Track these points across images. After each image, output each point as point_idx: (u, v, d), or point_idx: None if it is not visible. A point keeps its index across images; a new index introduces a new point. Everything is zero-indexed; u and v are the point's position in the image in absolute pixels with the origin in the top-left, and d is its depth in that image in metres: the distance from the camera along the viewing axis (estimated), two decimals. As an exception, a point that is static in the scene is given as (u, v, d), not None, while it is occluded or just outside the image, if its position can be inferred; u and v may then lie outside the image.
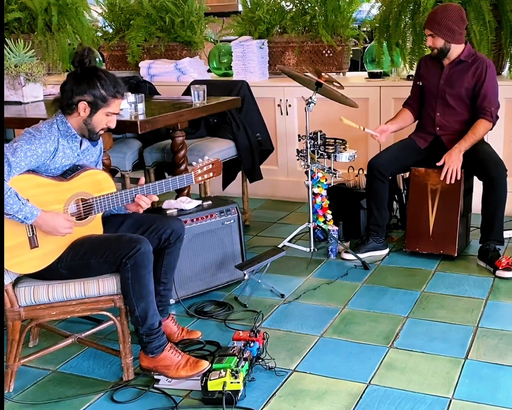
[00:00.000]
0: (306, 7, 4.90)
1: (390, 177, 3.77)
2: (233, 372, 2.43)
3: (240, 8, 5.87)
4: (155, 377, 2.62)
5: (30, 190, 2.45)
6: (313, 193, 3.84)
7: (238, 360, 2.51)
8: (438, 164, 3.58)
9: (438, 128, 3.71)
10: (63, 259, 2.54)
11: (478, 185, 3.73)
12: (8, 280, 2.50)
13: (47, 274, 2.54)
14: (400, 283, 3.44)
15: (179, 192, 3.57)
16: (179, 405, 2.46)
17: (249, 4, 5.10)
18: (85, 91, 2.49)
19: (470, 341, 2.82)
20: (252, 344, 2.63)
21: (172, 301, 3.24)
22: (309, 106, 3.67)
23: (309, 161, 3.73)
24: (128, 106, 3.54)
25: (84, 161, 2.65)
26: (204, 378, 2.46)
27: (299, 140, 3.81)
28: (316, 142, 3.72)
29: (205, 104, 3.81)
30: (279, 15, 5.04)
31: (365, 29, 5.14)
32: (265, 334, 2.76)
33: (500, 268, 3.44)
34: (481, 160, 3.56)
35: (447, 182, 3.55)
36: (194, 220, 3.29)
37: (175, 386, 2.57)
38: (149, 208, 2.76)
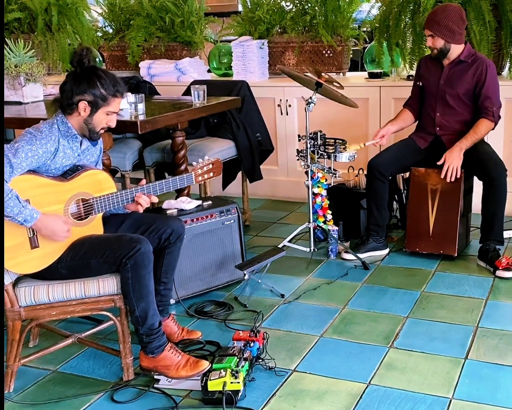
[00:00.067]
0: (306, 7, 4.90)
1: (390, 177, 3.77)
2: (233, 372, 2.43)
3: (240, 8, 5.87)
4: (155, 377, 2.62)
5: (30, 190, 2.45)
6: (313, 193, 3.85)
7: (238, 360, 2.51)
8: (438, 163, 3.58)
9: (438, 129, 3.71)
10: (63, 259, 2.54)
11: (478, 185, 3.73)
12: (8, 280, 2.51)
13: (47, 274, 2.54)
14: (400, 283, 3.44)
15: (179, 193, 3.57)
16: (179, 405, 2.46)
17: (249, 4, 5.10)
18: (85, 90, 2.49)
19: (470, 341, 2.83)
20: (252, 344, 2.63)
21: (172, 301, 3.24)
22: (309, 106, 3.68)
23: (309, 161, 3.74)
24: (128, 106, 3.54)
25: (84, 162, 2.65)
26: (204, 378, 2.46)
27: (299, 140, 3.81)
28: (316, 142, 3.73)
29: (205, 104, 3.81)
30: (279, 15, 5.04)
31: (365, 29, 5.14)
32: (265, 334, 2.76)
33: (500, 268, 3.44)
34: (481, 160, 3.57)
35: (448, 180, 3.55)
36: (194, 220, 3.29)
37: (175, 386, 2.57)
38: (148, 207, 2.77)
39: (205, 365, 2.58)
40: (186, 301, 3.29)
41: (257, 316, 3.09)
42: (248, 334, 2.69)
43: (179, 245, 2.81)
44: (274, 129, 4.88)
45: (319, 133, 3.73)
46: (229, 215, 3.41)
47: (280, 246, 3.82)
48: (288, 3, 5.02)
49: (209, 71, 5.47)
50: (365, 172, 3.84)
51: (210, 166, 2.78)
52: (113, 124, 2.60)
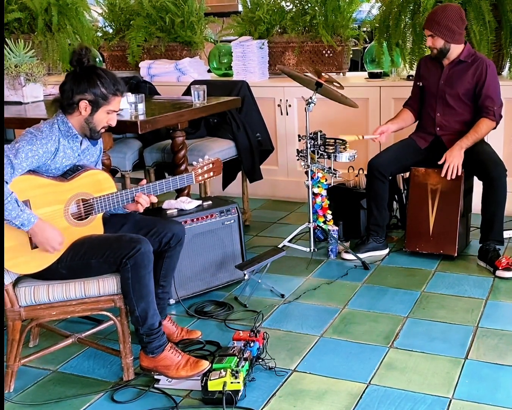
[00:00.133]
0: (306, 7, 4.91)
1: (390, 177, 3.77)
2: (233, 372, 2.43)
3: (240, 8, 5.87)
4: (155, 377, 2.62)
5: (31, 191, 2.45)
6: (313, 193, 3.85)
7: (238, 360, 2.51)
8: (439, 162, 3.58)
9: (438, 129, 3.71)
10: (63, 259, 2.54)
11: (478, 185, 3.73)
12: (8, 280, 2.51)
13: (47, 274, 2.54)
14: (400, 283, 3.44)
15: (179, 192, 3.57)
16: (179, 405, 2.46)
17: (249, 4, 5.10)
18: (86, 90, 2.49)
19: (470, 341, 2.83)
20: (252, 344, 2.63)
21: (172, 301, 3.25)
22: (309, 106, 3.68)
23: (309, 161, 3.74)
24: (128, 106, 3.54)
25: (84, 161, 2.65)
26: (204, 378, 2.46)
27: (299, 140, 3.81)
28: (316, 143, 3.73)
29: (205, 104, 3.81)
30: (279, 15, 5.04)
31: (365, 29, 5.14)
32: (265, 334, 2.76)
33: (500, 268, 3.44)
34: (481, 160, 3.57)
35: (448, 178, 3.55)
36: (194, 220, 3.29)
37: (175, 386, 2.57)
38: (148, 207, 2.76)
39: (205, 365, 2.58)
40: (186, 301, 3.29)
41: (257, 316, 3.09)
42: (248, 334, 2.69)
43: (179, 249, 2.81)
44: (274, 129, 4.88)
45: (319, 133, 3.73)
46: (229, 215, 3.42)
47: (280, 246, 3.82)
48: (288, 3, 5.03)
49: (209, 71, 5.47)
50: (365, 172, 3.84)
51: (210, 166, 2.78)
52: (113, 123, 2.60)
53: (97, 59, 5.75)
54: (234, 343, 2.68)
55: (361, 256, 3.72)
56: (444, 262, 3.67)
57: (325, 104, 4.17)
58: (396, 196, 4.15)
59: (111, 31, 5.71)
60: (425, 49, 4.27)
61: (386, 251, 3.84)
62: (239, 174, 4.46)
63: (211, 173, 2.79)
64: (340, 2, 4.78)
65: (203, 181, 2.86)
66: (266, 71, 5.10)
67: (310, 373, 2.64)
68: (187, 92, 4.41)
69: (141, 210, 2.70)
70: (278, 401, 2.46)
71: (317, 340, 2.90)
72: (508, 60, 4.31)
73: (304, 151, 3.76)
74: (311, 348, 2.83)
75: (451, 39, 3.53)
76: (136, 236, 2.58)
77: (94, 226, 2.61)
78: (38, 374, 2.73)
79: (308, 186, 3.80)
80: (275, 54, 5.13)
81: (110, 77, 2.54)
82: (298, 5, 4.95)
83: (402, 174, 4.03)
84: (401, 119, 3.85)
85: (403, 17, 4.40)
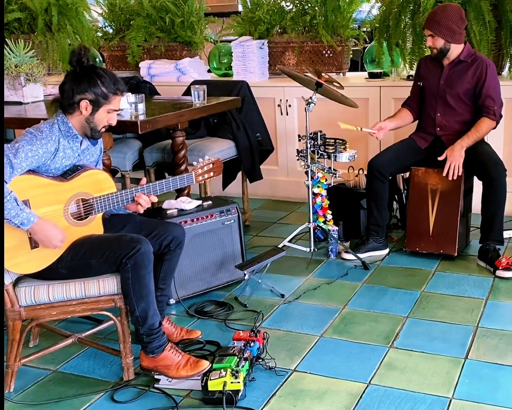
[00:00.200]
0: (306, 7, 4.91)
1: (390, 177, 3.77)
2: (233, 372, 2.43)
3: (240, 8, 5.87)
4: (156, 377, 2.62)
5: (30, 190, 2.45)
6: (313, 193, 3.85)
7: (238, 360, 2.51)
8: (440, 158, 3.57)
9: (438, 129, 3.72)
10: (63, 259, 2.54)
11: (478, 185, 3.73)
12: (8, 280, 2.51)
13: (48, 274, 2.54)
14: (400, 283, 3.44)
15: (179, 192, 3.57)
16: (179, 405, 2.46)
17: (249, 4, 5.10)
18: (86, 89, 2.49)
19: (470, 341, 2.83)
20: (252, 344, 2.63)
21: (172, 301, 3.25)
22: (309, 106, 3.68)
23: (309, 161, 3.74)
24: (129, 106, 3.54)
25: (84, 161, 2.65)
26: (205, 378, 2.47)
27: (299, 140, 3.81)
28: (316, 143, 3.73)
29: (205, 105, 3.81)
30: (279, 16, 5.04)
31: (365, 29, 5.14)
32: (265, 334, 2.76)
33: (500, 268, 3.44)
34: (480, 161, 3.57)
35: (450, 178, 3.55)
36: (194, 220, 3.29)
37: (176, 386, 2.57)
38: (149, 207, 2.76)
39: (205, 365, 2.58)
40: (186, 301, 3.29)
41: (257, 316, 3.09)
42: (248, 334, 2.69)
43: (179, 252, 2.81)
44: (274, 129, 4.88)
45: (319, 133, 3.73)
46: (229, 215, 3.42)
47: (280, 246, 3.82)
48: (288, 3, 5.03)
49: (209, 71, 5.47)
50: (365, 172, 3.84)
51: (211, 166, 2.78)
52: (114, 122, 2.60)
53: (97, 59, 5.75)
54: (234, 343, 2.68)
55: (361, 256, 3.72)
56: (444, 262, 3.67)
57: (325, 104, 4.17)
58: (396, 196, 4.15)
59: (111, 31, 5.71)
60: (425, 49, 4.27)
61: (386, 251, 3.84)
62: (239, 174, 4.46)
63: (211, 174, 2.79)
64: (340, 2, 4.78)
65: (203, 182, 2.85)
66: (266, 71, 5.10)
67: (310, 373, 2.64)
68: (187, 92, 4.41)
69: (142, 211, 2.70)
70: (278, 401, 2.46)
71: (317, 340, 2.90)
72: (508, 60, 4.31)
73: (304, 151, 3.76)
74: (311, 348, 2.83)
75: (451, 39, 3.53)
76: (136, 236, 2.58)
77: (94, 226, 2.62)
78: (38, 374, 2.73)
79: (308, 186, 3.80)
80: (275, 54, 5.13)
81: (110, 76, 2.54)
82: (298, 5, 4.96)
83: (402, 174, 4.03)
84: (399, 118, 3.85)
85: (403, 17, 4.40)
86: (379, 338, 2.89)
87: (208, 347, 2.85)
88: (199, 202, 3.40)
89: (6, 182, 2.35)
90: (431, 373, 2.59)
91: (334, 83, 3.74)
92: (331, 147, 3.70)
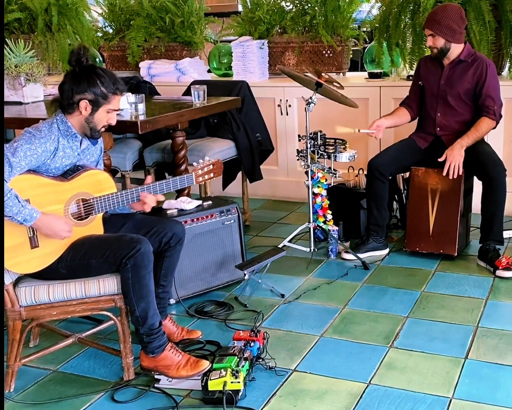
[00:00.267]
0: (306, 7, 4.91)
1: (390, 177, 3.77)
2: (233, 371, 2.43)
3: (240, 8, 5.87)
4: (156, 376, 2.62)
5: (31, 190, 2.45)
6: (313, 193, 3.85)
7: (238, 359, 2.52)
8: (439, 160, 3.57)
9: (438, 129, 3.72)
10: (64, 259, 2.54)
11: (478, 185, 3.74)
12: (8, 280, 2.51)
13: (48, 274, 2.54)
14: (400, 283, 3.44)
15: (179, 193, 3.58)
16: (179, 404, 2.46)
17: (249, 4, 5.10)
18: (86, 89, 2.49)
19: (470, 341, 2.83)
20: (252, 344, 2.64)
21: (172, 301, 3.25)
22: (309, 106, 3.68)
23: (309, 161, 3.74)
24: (129, 106, 3.54)
25: (84, 161, 2.65)
26: (205, 377, 2.47)
27: (299, 140, 3.81)
28: (316, 142, 3.73)
29: (205, 105, 3.81)
30: (279, 16, 5.04)
31: (365, 29, 5.14)
32: (265, 333, 2.76)
33: (500, 268, 3.44)
34: (480, 161, 3.57)
35: (450, 177, 3.55)
36: (195, 220, 3.29)
37: (176, 386, 2.57)
38: (153, 206, 2.77)
39: (205, 364, 2.58)
40: (187, 301, 3.29)
41: (257, 316, 3.09)
42: (249, 334, 2.69)
43: (179, 248, 2.81)
44: (274, 129, 4.89)
45: (319, 133, 3.73)
46: (229, 215, 3.42)
47: (280, 246, 3.82)
48: (288, 3, 5.03)
49: (209, 71, 5.47)
50: (365, 172, 3.84)
51: (211, 167, 2.78)
52: (113, 122, 2.61)
53: (97, 59, 5.75)
54: (234, 342, 2.68)
55: (361, 256, 3.72)
56: (444, 262, 3.67)
57: (325, 104, 4.17)
58: (396, 196, 4.15)
59: (111, 31, 5.71)
60: (425, 49, 4.27)
61: (386, 251, 3.84)
62: (239, 174, 4.46)
63: (212, 175, 2.79)
64: (340, 2, 4.78)
65: (203, 183, 2.86)
66: (266, 71, 5.10)
67: (310, 373, 2.64)
68: (187, 92, 4.41)
69: (148, 209, 2.70)
70: (278, 401, 2.46)
71: (317, 340, 2.90)
72: (508, 60, 4.31)
73: (304, 151, 3.76)
74: (311, 348, 2.83)
75: (451, 38, 3.53)
76: (136, 236, 2.58)
77: (94, 226, 2.62)
78: (39, 374, 2.73)
79: (308, 186, 3.80)
80: (275, 54, 5.13)
81: (110, 76, 2.54)
82: (298, 5, 4.96)
83: (402, 174, 4.03)
84: (396, 116, 3.84)
85: (403, 17, 4.40)
86: (379, 338, 2.89)
87: (208, 347, 2.85)
88: (199, 202, 3.41)
89: (6, 181, 2.35)
90: (431, 373, 2.59)
91: (334, 83, 3.74)
92: (331, 147, 3.70)
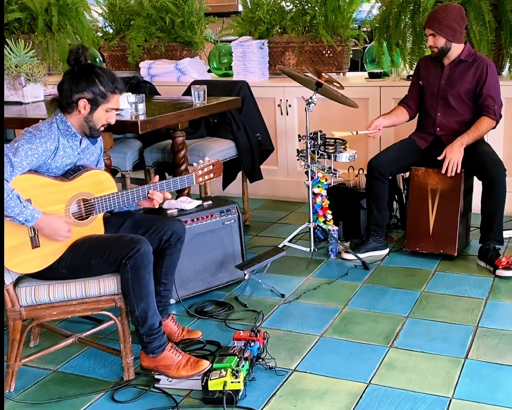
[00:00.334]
0: (306, 7, 4.91)
1: (390, 177, 3.77)
2: (233, 371, 2.43)
3: (240, 8, 5.87)
4: (156, 376, 2.63)
5: (32, 190, 2.45)
6: (313, 193, 3.85)
7: (238, 359, 2.52)
8: (439, 158, 3.57)
9: (438, 129, 3.72)
10: (64, 259, 2.54)
11: (478, 185, 3.74)
12: (9, 280, 2.51)
13: (48, 274, 2.54)
14: (400, 283, 3.44)
15: (179, 193, 3.58)
16: (179, 404, 2.47)
17: (249, 4, 5.10)
18: (84, 88, 2.49)
19: (470, 341, 2.83)
20: (252, 344, 2.64)
21: (172, 301, 3.25)
22: (309, 106, 3.68)
23: (309, 161, 3.74)
24: (129, 106, 3.55)
25: (84, 161, 2.65)
26: (205, 377, 2.47)
27: (299, 140, 3.81)
28: (316, 142, 3.73)
29: (205, 105, 3.81)
30: (279, 16, 5.04)
31: (365, 29, 5.14)
32: (265, 333, 2.76)
33: (500, 267, 3.44)
34: (480, 161, 3.57)
35: (448, 174, 3.55)
36: (195, 219, 3.30)
37: (176, 386, 2.57)
38: (150, 207, 2.77)
39: (205, 364, 2.58)
40: (187, 301, 3.30)
41: (258, 316, 3.09)
42: (249, 334, 2.69)
43: (180, 246, 2.81)
44: (274, 129, 4.89)
45: (319, 133, 3.73)
46: (229, 215, 3.42)
47: (280, 246, 3.82)
48: (288, 3, 5.03)
49: (209, 71, 5.47)
50: (365, 172, 3.84)
51: (211, 167, 2.78)
52: (112, 121, 2.61)
53: (97, 59, 5.76)
54: (234, 342, 2.69)
55: (361, 256, 3.72)
56: (444, 262, 3.67)
57: (325, 104, 4.17)
58: (396, 196, 4.15)
59: (111, 31, 5.71)
60: (425, 49, 4.27)
61: (386, 251, 3.85)
62: (239, 174, 4.46)
63: (212, 175, 2.79)
64: (340, 2, 4.78)
65: (203, 183, 2.86)
66: (266, 71, 5.10)
67: (310, 372, 2.64)
68: (187, 92, 4.41)
69: (156, 206, 2.71)
70: (279, 401, 2.47)
71: (317, 340, 2.90)
72: (508, 60, 4.31)
73: (304, 151, 3.76)
74: (311, 348, 2.84)
75: (452, 38, 3.53)
76: (136, 236, 2.58)
77: (95, 226, 2.62)
78: (39, 373, 2.73)
79: (308, 186, 3.80)
80: (275, 54, 5.13)
81: (108, 75, 2.54)
82: (298, 5, 4.96)
83: (402, 174, 4.03)
84: (394, 116, 3.84)
85: (403, 17, 4.40)
86: (379, 338, 2.89)
87: (208, 347, 2.85)
88: (199, 202, 3.41)
89: (7, 181, 2.35)
90: (431, 373, 2.59)
91: (334, 83, 3.74)
92: (331, 147, 3.70)
